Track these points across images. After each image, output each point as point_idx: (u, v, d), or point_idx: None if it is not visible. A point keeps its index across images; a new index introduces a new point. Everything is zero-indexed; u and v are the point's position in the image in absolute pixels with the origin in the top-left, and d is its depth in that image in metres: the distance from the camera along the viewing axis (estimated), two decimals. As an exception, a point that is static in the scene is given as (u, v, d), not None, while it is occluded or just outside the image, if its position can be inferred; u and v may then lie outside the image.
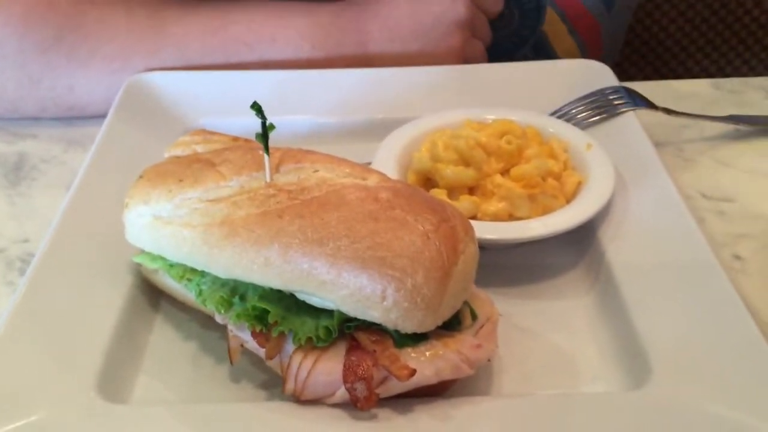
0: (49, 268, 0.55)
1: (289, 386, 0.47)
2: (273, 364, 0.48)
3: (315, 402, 0.46)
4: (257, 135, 0.50)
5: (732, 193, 0.68)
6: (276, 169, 0.51)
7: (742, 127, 0.75)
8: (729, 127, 0.75)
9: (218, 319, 0.50)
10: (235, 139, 0.57)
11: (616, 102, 0.71)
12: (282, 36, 0.77)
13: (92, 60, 0.75)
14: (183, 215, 0.50)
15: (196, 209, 0.50)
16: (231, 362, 0.50)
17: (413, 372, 0.44)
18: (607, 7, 0.93)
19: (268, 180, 0.50)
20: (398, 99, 0.74)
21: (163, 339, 0.54)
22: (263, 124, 0.49)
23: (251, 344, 0.49)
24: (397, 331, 0.46)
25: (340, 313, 0.46)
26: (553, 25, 0.91)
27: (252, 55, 0.76)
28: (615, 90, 0.72)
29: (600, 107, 0.70)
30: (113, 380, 0.49)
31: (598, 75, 0.75)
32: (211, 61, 0.76)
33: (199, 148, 0.56)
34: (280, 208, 0.48)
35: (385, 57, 0.78)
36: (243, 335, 0.49)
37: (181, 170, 0.53)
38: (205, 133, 0.58)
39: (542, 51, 0.94)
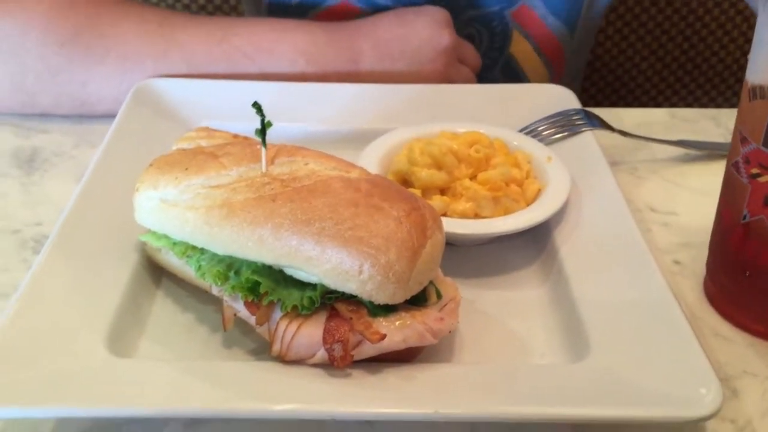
0: (64, 244, 0.61)
1: (275, 348, 0.53)
2: (262, 330, 0.55)
3: (298, 362, 0.53)
4: (256, 131, 0.57)
5: (677, 208, 0.76)
6: (271, 161, 0.58)
7: (690, 151, 0.83)
8: (679, 150, 0.84)
9: (215, 290, 0.57)
10: (235, 136, 0.64)
11: (577, 122, 0.79)
12: (279, 50, 0.84)
13: (107, 58, 0.82)
14: (187, 199, 0.57)
15: (199, 194, 0.57)
16: (224, 329, 0.57)
17: (383, 337, 0.51)
18: (570, 31, 1.01)
19: (264, 170, 0.57)
20: (382, 112, 0.81)
21: (164, 310, 0.61)
22: (262, 121, 0.57)
23: (243, 313, 0.56)
24: (371, 302, 0.53)
25: (323, 285, 0.53)
26: (520, 45, 1.00)
27: (251, 65, 0.84)
28: (577, 112, 0.80)
29: (562, 126, 0.79)
30: (120, 341, 0.56)
31: (563, 98, 0.83)
32: (214, 68, 0.83)
33: (203, 143, 0.63)
34: (273, 194, 0.55)
35: (374, 74, 0.86)
36: (236, 305, 0.56)
37: (187, 160, 0.60)
38: (209, 130, 0.65)
39: (511, 72, 1.03)
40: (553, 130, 0.78)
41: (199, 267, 0.57)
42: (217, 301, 0.58)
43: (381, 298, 0.52)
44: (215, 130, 0.65)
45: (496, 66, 1.02)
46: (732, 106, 1.64)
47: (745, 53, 1.62)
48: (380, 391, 0.51)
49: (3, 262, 0.66)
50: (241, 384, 0.52)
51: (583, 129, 0.78)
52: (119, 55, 0.82)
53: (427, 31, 0.87)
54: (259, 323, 0.54)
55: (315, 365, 0.53)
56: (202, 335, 0.59)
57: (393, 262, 0.51)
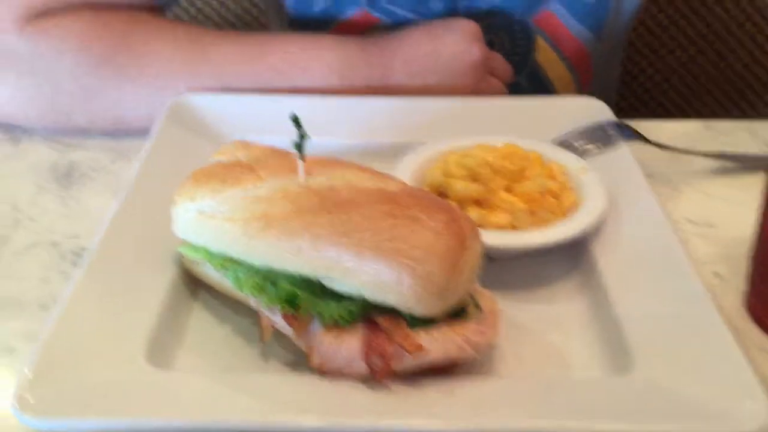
0: (104, 257, 0.62)
1: (315, 360, 0.53)
2: (300, 342, 0.55)
3: (336, 374, 0.53)
4: (294, 143, 0.57)
5: (714, 220, 0.75)
6: (308, 173, 0.58)
7: (727, 163, 0.82)
8: (715, 162, 0.83)
9: (252, 302, 0.57)
10: (272, 149, 0.64)
11: (611, 134, 0.78)
12: (312, 67, 0.85)
13: (140, 77, 0.83)
14: (225, 211, 0.58)
15: (237, 206, 0.57)
16: (262, 340, 0.57)
17: (423, 349, 0.51)
18: (597, 38, 1.01)
19: (301, 182, 0.57)
20: (414, 126, 0.81)
21: (201, 322, 0.61)
22: (300, 133, 0.57)
23: (281, 324, 0.56)
24: (410, 315, 0.52)
25: (361, 297, 0.53)
26: (545, 53, 1.00)
27: (284, 82, 0.84)
28: (612, 124, 0.80)
29: (597, 139, 0.78)
30: (158, 352, 0.56)
31: (598, 111, 0.82)
32: (246, 86, 0.84)
33: (240, 155, 0.63)
34: (311, 206, 0.55)
35: (404, 89, 0.86)
36: (274, 317, 0.56)
37: (225, 172, 0.60)
38: (246, 143, 0.65)
39: (535, 78, 1.02)
40: (587, 141, 0.78)
41: (237, 279, 0.58)
42: (254, 313, 0.58)
43: (420, 310, 0.52)
44: (252, 143, 0.65)
45: (520, 73, 1.01)
46: (762, 117, 1.62)
47: (778, 65, 1.60)
48: (420, 405, 0.51)
49: (43, 275, 0.67)
50: (279, 396, 0.52)
51: (618, 141, 0.78)
52: (152, 74, 0.83)
53: (458, 46, 0.87)
54: (298, 335, 0.54)
55: (354, 378, 0.53)
56: (240, 347, 0.59)
57: (432, 274, 0.51)
